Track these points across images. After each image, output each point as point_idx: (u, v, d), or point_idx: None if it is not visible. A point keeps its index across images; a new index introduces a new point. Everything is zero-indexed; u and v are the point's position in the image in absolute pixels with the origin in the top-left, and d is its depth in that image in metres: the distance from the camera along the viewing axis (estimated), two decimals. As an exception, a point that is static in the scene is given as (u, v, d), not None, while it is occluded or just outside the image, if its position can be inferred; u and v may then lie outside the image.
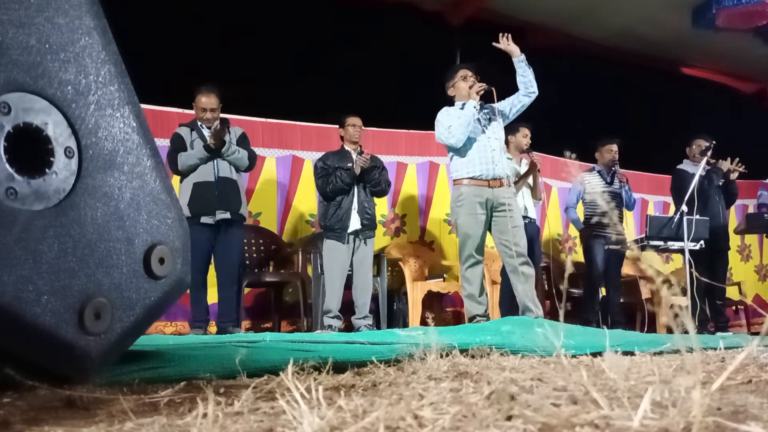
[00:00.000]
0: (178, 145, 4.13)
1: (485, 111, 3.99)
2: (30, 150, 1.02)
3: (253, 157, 4.31)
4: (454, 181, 3.99)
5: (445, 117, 3.93)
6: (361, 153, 4.43)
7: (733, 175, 5.21)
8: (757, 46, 7.15)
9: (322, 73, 6.67)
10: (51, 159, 1.04)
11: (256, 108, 5.42)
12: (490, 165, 3.84)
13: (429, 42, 6.63)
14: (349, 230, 4.32)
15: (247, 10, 6.35)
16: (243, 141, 4.29)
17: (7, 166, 0.96)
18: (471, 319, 3.82)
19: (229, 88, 4.45)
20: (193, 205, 4.03)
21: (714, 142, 4.81)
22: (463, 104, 3.89)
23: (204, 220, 4.02)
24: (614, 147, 5.27)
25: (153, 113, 4.81)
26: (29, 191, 0.99)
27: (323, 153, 4.66)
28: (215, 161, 4.09)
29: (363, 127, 4.60)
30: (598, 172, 5.33)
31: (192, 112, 4.36)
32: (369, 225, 4.41)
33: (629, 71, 7.62)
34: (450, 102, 4.08)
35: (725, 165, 5.18)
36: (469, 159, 3.86)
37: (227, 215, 4.08)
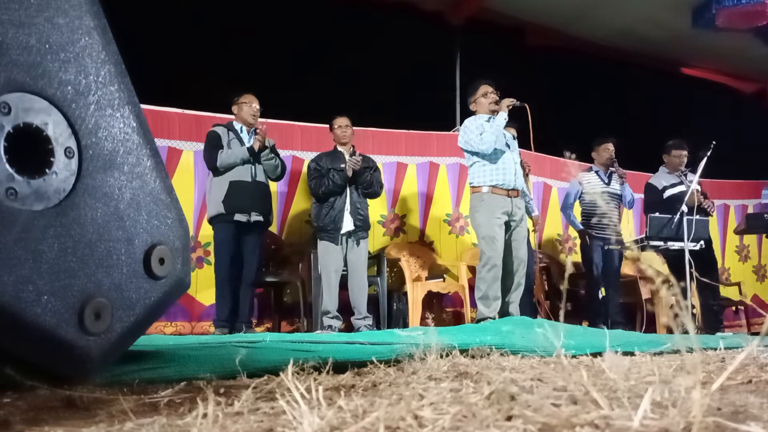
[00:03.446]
0: (215, 142, 4.18)
1: (509, 132, 4.20)
2: (30, 150, 1.02)
3: (284, 168, 4.42)
4: (473, 187, 4.10)
5: (473, 124, 4.07)
6: (353, 154, 4.43)
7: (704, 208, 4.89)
8: (757, 46, 7.14)
9: (322, 74, 6.67)
10: (51, 159, 1.04)
11: (255, 108, 5.41)
12: (511, 176, 4.02)
13: (429, 42, 6.62)
14: (342, 231, 4.33)
15: (247, 10, 6.35)
16: (274, 151, 4.34)
17: (7, 166, 0.96)
18: (480, 321, 3.82)
19: (229, 88, 4.45)
20: (228, 203, 4.06)
21: (713, 143, 4.72)
22: (489, 117, 4.07)
23: (238, 217, 4.06)
24: (610, 146, 5.21)
25: (153, 113, 4.80)
26: (29, 191, 0.99)
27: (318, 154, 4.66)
28: (253, 164, 4.16)
29: (352, 126, 4.59)
30: (596, 172, 5.29)
31: (192, 113, 4.38)
32: (362, 226, 4.42)
33: (629, 71, 7.61)
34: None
35: (698, 199, 4.80)
36: (493, 168, 4.01)
37: (260, 218, 4.15)
